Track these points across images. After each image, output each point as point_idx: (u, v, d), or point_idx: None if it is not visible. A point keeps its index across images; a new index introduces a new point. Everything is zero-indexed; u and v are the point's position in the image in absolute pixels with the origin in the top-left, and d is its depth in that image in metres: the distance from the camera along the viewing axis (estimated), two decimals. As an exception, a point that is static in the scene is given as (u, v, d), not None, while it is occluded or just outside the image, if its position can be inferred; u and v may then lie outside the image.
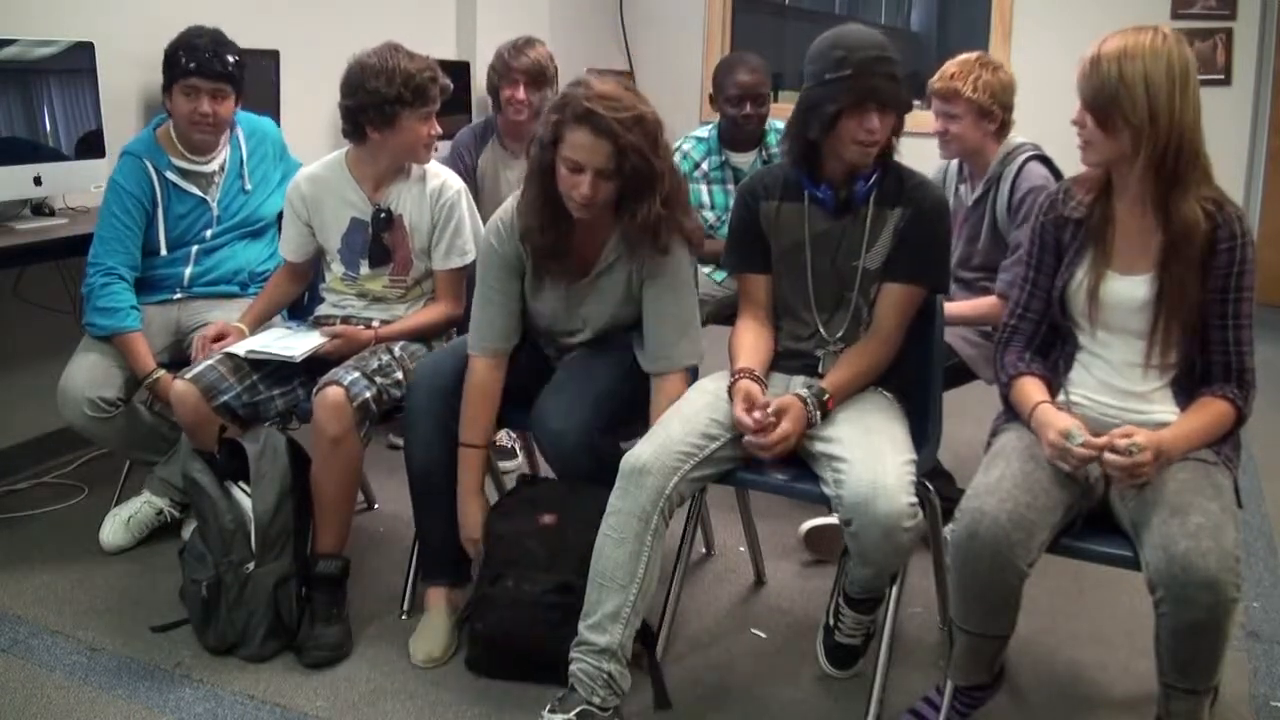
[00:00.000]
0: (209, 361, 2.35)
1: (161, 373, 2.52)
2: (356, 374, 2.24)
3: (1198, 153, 1.74)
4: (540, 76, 3.27)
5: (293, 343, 2.39)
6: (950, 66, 2.58)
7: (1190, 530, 1.58)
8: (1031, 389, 1.87)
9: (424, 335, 2.48)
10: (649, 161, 1.99)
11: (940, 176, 2.74)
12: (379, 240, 2.46)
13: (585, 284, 2.21)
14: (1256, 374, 1.79)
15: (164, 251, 2.65)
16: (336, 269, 2.53)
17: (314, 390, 2.24)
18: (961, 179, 2.71)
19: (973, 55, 2.60)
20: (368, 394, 2.22)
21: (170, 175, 2.62)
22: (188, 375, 2.32)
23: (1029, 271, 1.94)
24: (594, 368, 2.21)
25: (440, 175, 2.49)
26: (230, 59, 2.59)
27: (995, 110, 2.54)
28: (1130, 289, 1.80)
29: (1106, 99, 1.71)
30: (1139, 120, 1.69)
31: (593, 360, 2.22)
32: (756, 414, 1.91)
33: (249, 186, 2.74)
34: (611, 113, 1.95)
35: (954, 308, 2.51)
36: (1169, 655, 1.61)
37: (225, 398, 2.31)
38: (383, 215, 2.45)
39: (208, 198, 2.68)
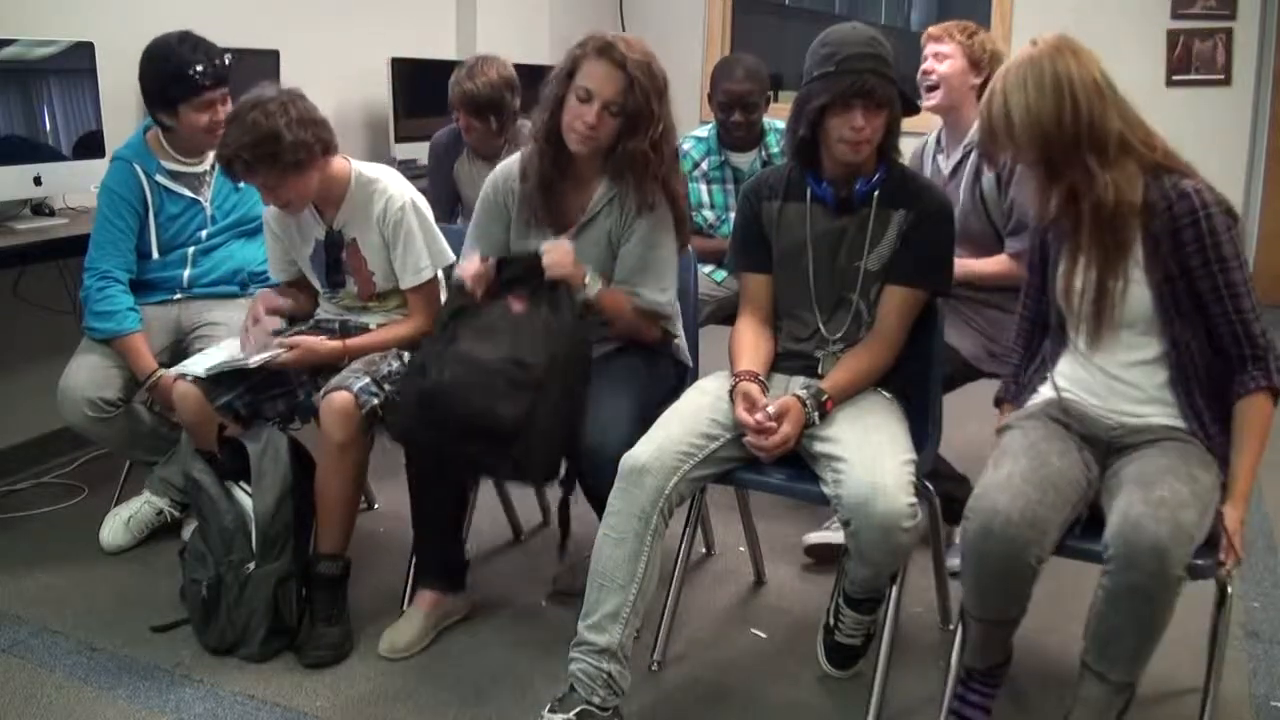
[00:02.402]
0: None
1: (162, 372, 2.51)
2: (366, 379, 2.22)
3: (1108, 145, 1.72)
4: (482, 105, 3.17)
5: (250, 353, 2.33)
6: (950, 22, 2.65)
7: (1151, 500, 1.61)
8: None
9: (399, 349, 2.35)
10: (649, 103, 2.10)
11: (917, 160, 2.72)
12: (336, 262, 2.41)
13: (569, 237, 2.20)
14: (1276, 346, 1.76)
15: (155, 255, 2.64)
16: (317, 284, 2.50)
17: (321, 394, 2.21)
18: (939, 149, 2.70)
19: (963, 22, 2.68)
20: (375, 400, 2.20)
21: (160, 178, 2.61)
22: (190, 378, 2.32)
23: (1031, 274, 1.97)
24: (617, 379, 2.17)
25: (386, 193, 2.35)
26: (227, 60, 2.58)
27: (984, 61, 2.58)
28: (1117, 284, 1.79)
29: (995, 141, 1.74)
30: (1035, 154, 1.72)
31: (614, 369, 2.19)
32: (759, 415, 1.91)
33: (240, 185, 2.70)
34: (629, 52, 2.09)
35: (969, 264, 2.48)
36: (1096, 626, 1.64)
37: (227, 397, 2.31)
38: (335, 237, 2.38)
39: (200, 198, 2.67)
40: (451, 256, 2.40)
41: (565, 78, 2.13)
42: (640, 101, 2.09)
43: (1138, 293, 1.78)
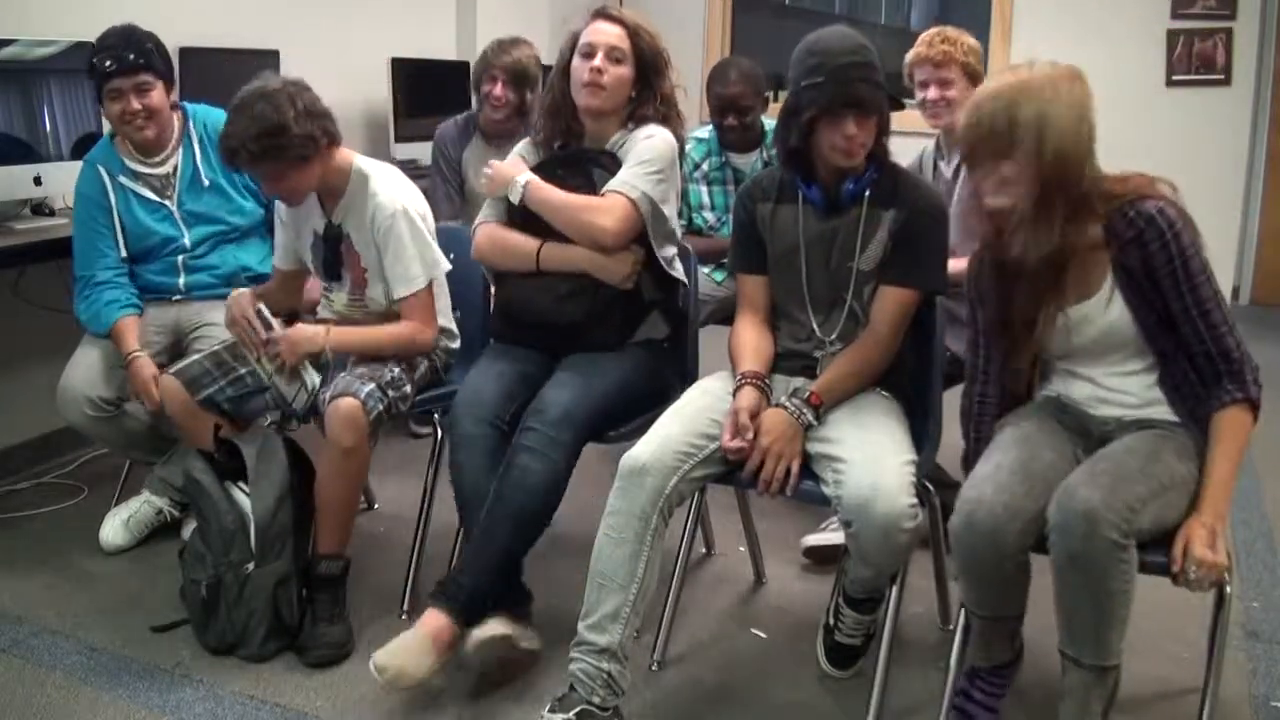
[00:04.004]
0: (195, 356, 2.37)
1: (141, 356, 2.49)
2: (371, 385, 2.21)
3: (1081, 179, 1.69)
4: (522, 76, 3.28)
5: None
6: (932, 34, 2.62)
7: (1093, 471, 1.64)
8: None
9: (385, 350, 2.32)
10: (658, 47, 2.27)
11: (917, 167, 2.73)
12: (335, 255, 2.40)
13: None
14: (1250, 357, 1.75)
15: (124, 253, 2.60)
16: (318, 275, 2.49)
17: (327, 400, 2.20)
18: (939, 156, 2.71)
19: (945, 26, 2.66)
20: (380, 407, 2.22)
21: (124, 179, 2.58)
22: (172, 370, 2.34)
23: (976, 335, 1.93)
24: (597, 370, 2.20)
25: (376, 197, 2.29)
26: (146, 46, 2.50)
27: (981, 71, 2.60)
28: (1091, 314, 1.79)
29: (999, 145, 1.67)
30: (1036, 168, 1.66)
31: (597, 361, 2.22)
32: (737, 441, 1.91)
33: (206, 181, 2.65)
34: (625, 12, 2.26)
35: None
36: (1057, 604, 1.67)
37: (208, 391, 2.32)
38: (334, 231, 2.37)
39: (167, 202, 2.63)
40: (446, 265, 2.37)
41: (567, 51, 2.26)
42: (649, 45, 2.25)
43: (1120, 321, 1.77)
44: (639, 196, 2.18)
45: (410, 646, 1.95)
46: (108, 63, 2.46)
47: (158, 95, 2.54)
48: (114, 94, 2.50)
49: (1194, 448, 1.74)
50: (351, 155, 2.36)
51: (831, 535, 2.56)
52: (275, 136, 2.14)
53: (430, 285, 2.35)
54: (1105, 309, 1.77)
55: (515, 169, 2.26)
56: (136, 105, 2.51)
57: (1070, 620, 1.66)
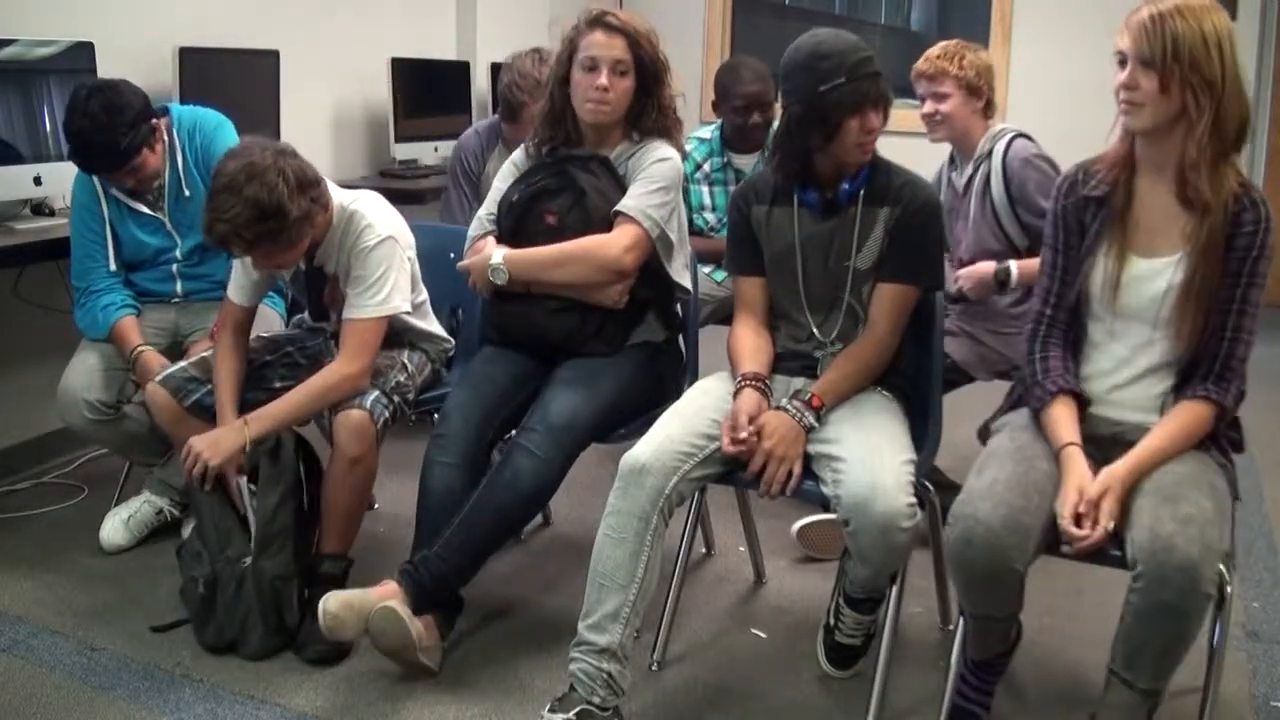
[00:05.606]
0: (181, 364, 2.36)
1: (148, 350, 2.49)
2: (376, 392, 2.23)
3: (1248, 121, 1.70)
4: None
5: None
6: (934, 50, 2.63)
7: (1180, 517, 1.59)
8: (1064, 422, 1.79)
9: (311, 410, 2.23)
10: (657, 53, 2.22)
11: (937, 178, 2.75)
12: (320, 294, 2.37)
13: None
14: (1250, 369, 1.74)
15: (113, 266, 2.59)
16: (304, 305, 2.47)
17: (335, 410, 2.20)
18: (952, 167, 2.74)
19: (952, 41, 2.64)
20: (387, 414, 2.24)
21: (115, 191, 2.56)
22: (158, 378, 2.32)
23: (1056, 257, 1.88)
24: (600, 377, 2.21)
25: (367, 223, 2.23)
26: (123, 132, 2.35)
27: (982, 87, 2.59)
28: (1155, 272, 1.76)
29: (1174, 54, 1.65)
30: (1211, 77, 1.66)
31: (598, 367, 2.23)
32: (741, 434, 1.91)
33: (187, 193, 2.57)
34: (622, 18, 2.21)
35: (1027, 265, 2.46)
36: (1124, 639, 1.63)
37: (195, 396, 2.31)
38: (315, 274, 2.32)
39: (159, 214, 2.61)
40: (403, 308, 2.29)
41: (565, 60, 2.22)
42: (650, 55, 2.20)
43: (1170, 279, 1.75)
44: (650, 226, 2.20)
45: (356, 607, 1.99)
46: (97, 172, 2.44)
47: (152, 160, 2.47)
48: (109, 178, 2.48)
49: (1213, 462, 1.74)
50: (331, 196, 2.25)
51: (820, 514, 2.56)
52: (269, 221, 2.04)
53: (381, 320, 2.25)
54: (1166, 274, 1.74)
55: (485, 256, 2.22)
56: (133, 184, 2.50)
57: (1136, 651, 1.63)
